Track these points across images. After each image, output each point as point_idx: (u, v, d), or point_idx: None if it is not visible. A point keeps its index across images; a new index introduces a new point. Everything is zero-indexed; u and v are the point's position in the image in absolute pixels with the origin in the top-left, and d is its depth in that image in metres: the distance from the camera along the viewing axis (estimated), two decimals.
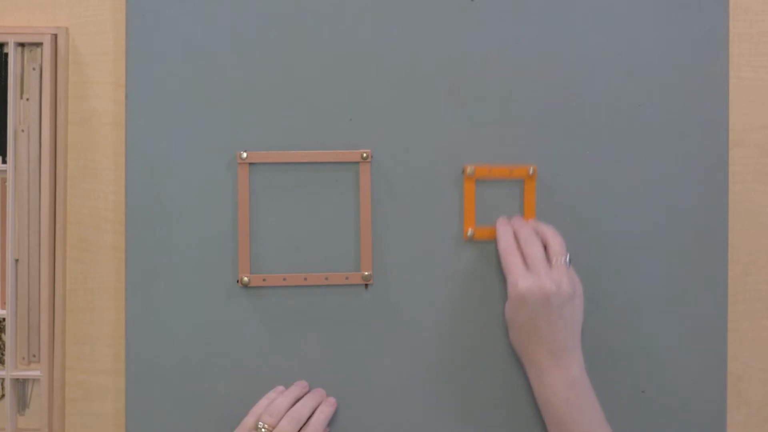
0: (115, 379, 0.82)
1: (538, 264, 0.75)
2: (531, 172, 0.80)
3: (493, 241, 0.80)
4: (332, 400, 0.80)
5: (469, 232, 0.80)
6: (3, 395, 0.83)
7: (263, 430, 0.75)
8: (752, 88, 0.83)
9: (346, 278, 0.80)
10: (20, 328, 0.81)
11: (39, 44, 0.81)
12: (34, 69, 0.81)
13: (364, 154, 0.80)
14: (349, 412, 0.81)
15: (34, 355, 0.81)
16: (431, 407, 0.81)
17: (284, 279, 0.80)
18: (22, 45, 0.81)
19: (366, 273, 0.80)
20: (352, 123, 0.81)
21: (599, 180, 0.81)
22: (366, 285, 0.81)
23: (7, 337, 0.81)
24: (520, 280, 0.74)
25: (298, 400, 0.79)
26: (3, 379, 0.82)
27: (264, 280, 0.80)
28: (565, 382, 0.74)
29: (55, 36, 0.81)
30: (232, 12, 0.80)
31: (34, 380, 0.82)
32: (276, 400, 0.78)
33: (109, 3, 0.82)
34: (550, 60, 0.81)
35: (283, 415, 0.76)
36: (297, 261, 0.81)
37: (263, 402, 0.78)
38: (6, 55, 0.81)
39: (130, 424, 0.80)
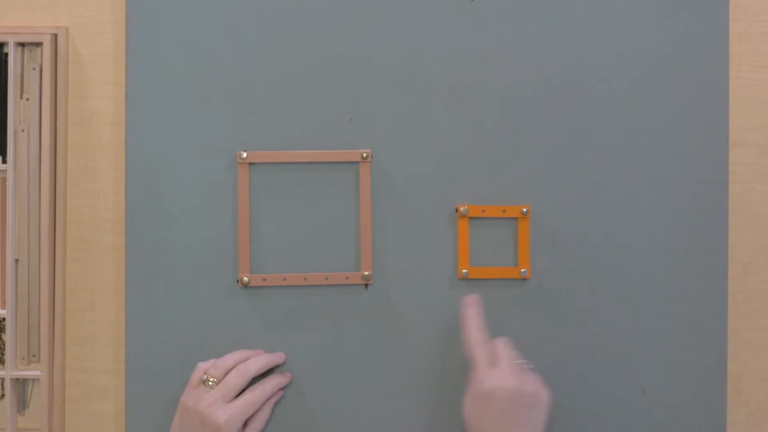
0: (115, 379, 0.82)
1: (507, 361, 0.73)
2: (525, 211, 0.80)
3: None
4: (288, 374, 0.80)
5: (464, 272, 0.80)
6: (3, 395, 0.83)
7: (210, 382, 0.75)
8: (752, 88, 0.83)
9: (346, 278, 0.80)
10: (20, 328, 0.81)
11: (39, 44, 0.81)
12: (34, 69, 0.81)
13: (364, 154, 0.80)
14: (348, 411, 0.81)
15: (34, 355, 0.81)
16: (430, 407, 0.81)
17: (284, 279, 0.80)
18: (22, 45, 0.81)
19: (366, 273, 0.80)
20: (352, 123, 0.81)
21: (599, 180, 0.81)
22: (366, 285, 0.81)
23: (7, 337, 0.81)
24: (488, 376, 0.72)
25: None
26: (3, 379, 0.82)
27: (264, 280, 0.80)
28: None
29: (55, 36, 0.81)
30: (232, 12, 0.80)
31: (34, 380, 0.82)
32: (225, 355, 0.78)
33: (109, 3, 0.82)
34: (550, 60, 0.81)
35: (231, 369, 0.76)
36: (297, 261, 0.81)
37: (212, 360, 0.78)
38: (6, 55, 0.81)
39: (130, 424, 0.80)
